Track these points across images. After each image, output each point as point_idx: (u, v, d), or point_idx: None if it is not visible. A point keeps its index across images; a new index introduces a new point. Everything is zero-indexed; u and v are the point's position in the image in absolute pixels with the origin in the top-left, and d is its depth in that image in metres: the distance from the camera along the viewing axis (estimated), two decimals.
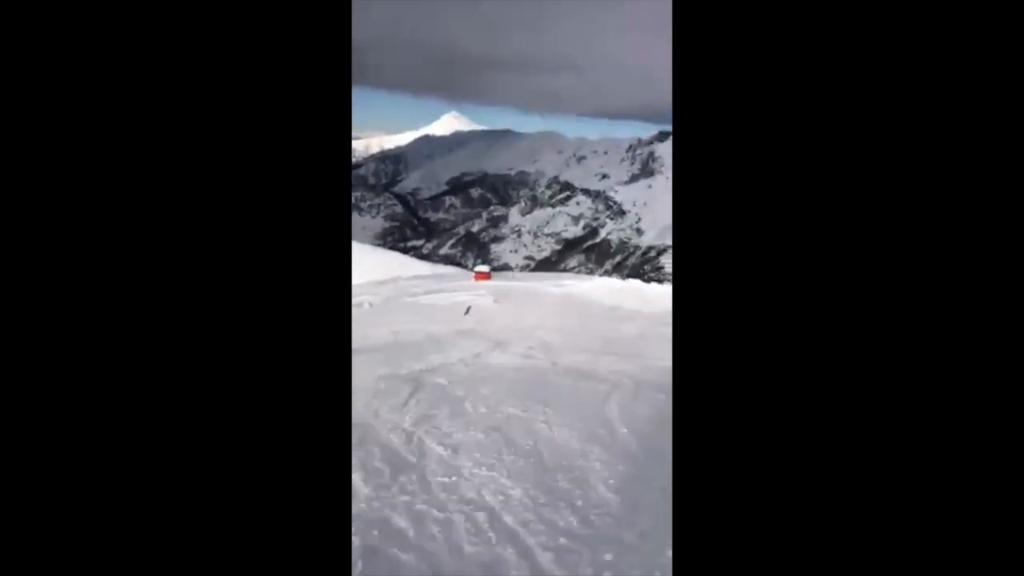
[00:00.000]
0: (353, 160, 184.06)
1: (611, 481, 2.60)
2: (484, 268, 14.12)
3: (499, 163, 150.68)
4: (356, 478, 2.55)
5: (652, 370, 4.63)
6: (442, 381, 4.15)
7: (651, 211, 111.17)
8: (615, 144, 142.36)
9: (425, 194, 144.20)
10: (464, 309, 8.17)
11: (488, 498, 2.42)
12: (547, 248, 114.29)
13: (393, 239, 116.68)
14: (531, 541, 2.11)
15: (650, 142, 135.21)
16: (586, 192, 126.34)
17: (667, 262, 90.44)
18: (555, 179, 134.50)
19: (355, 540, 2.07)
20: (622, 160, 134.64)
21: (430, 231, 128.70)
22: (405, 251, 36.74)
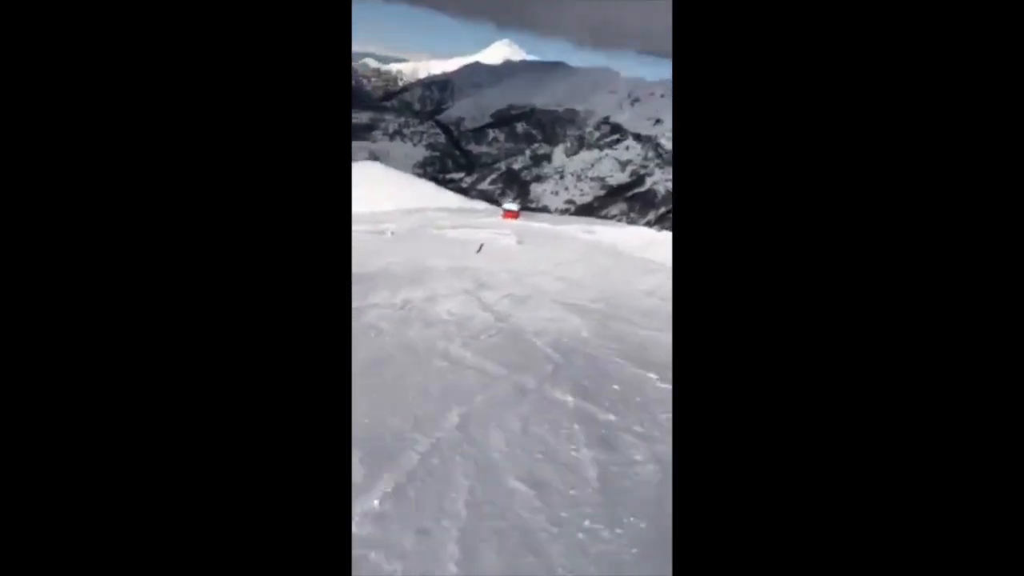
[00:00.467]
0: (400, 84, 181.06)
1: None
2: (513, 206, 13.77)
3: (548, 98, 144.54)
4: None
5: (610, 347, 4.26)
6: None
7: None
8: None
9: (469, 125, 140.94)
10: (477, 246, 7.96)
11: None
12: (589, 193, 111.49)
13: (433, 169, 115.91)
14: None
15: None
16: (637, 137, 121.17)
17: None
18: (605, 120, 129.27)
19: None
20: None
21: (471, 164, 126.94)
22: (444, 183, 36.48)
